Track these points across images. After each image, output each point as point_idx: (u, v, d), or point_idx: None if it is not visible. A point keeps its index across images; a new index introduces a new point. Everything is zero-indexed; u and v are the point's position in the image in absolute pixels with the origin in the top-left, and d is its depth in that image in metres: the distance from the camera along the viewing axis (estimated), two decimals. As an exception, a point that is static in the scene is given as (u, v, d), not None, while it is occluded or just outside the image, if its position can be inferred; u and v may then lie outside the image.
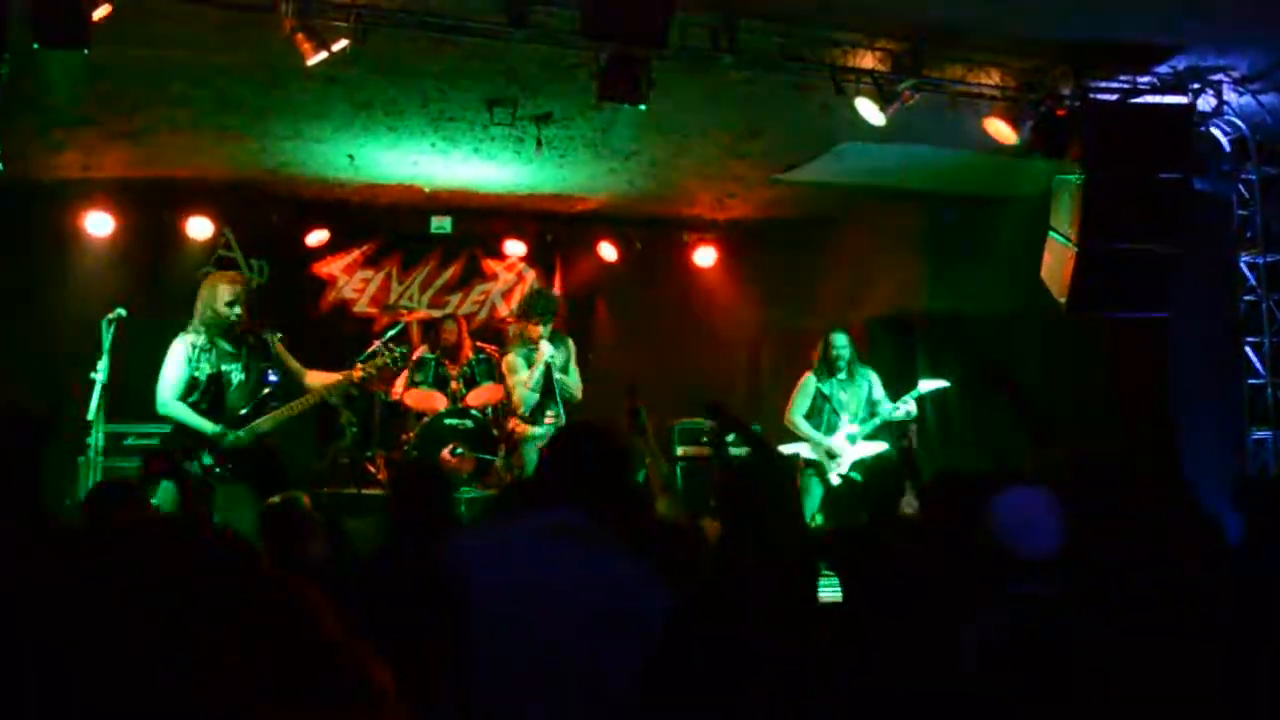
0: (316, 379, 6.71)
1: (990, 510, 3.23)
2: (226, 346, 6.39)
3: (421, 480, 4.57)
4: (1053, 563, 3.15)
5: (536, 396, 8.17)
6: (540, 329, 8.10)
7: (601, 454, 3.16)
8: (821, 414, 8.22)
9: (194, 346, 6.35)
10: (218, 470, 6.33)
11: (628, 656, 2.78)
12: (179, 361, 6.33)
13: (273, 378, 6.56)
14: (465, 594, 2.85)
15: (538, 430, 8.17)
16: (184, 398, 6.32)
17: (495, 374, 9.96)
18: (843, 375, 8.22)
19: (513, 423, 8.50)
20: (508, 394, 8.54)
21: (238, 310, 6.35)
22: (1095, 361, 8.40)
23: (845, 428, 8.14)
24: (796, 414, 8.29)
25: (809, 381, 8.32)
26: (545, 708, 2.79)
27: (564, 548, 2.93)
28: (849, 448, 8.10)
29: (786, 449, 8.26)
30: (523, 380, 8.18)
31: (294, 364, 6.68)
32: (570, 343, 8.78)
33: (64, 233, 9.73)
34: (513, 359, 8.34)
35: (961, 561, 3.41)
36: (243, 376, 6.42)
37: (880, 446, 8.09)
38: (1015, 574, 3.13)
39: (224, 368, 6.38)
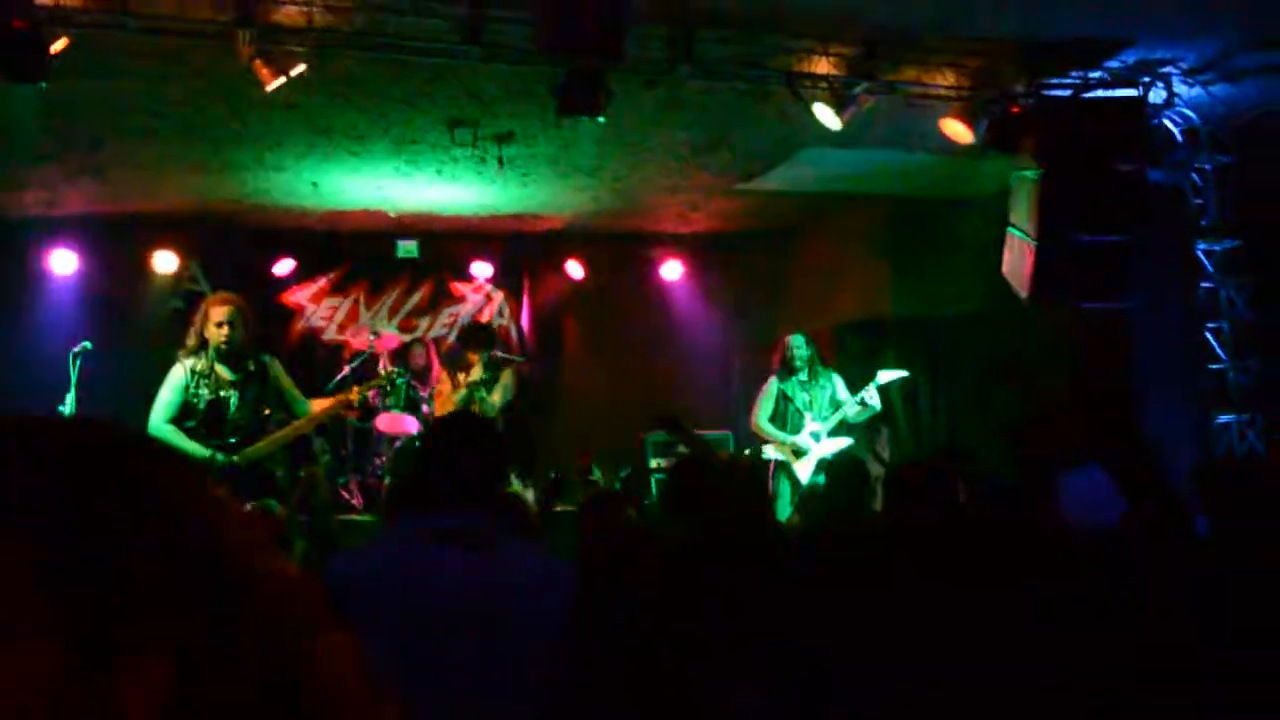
0: (314, 405, 6.71)
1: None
2: (226, 372, 6.32)
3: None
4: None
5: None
6: (476, 357, 8.61)
7: (484, 447, 3.04)
8: (786, 415, 8.34)
9: (192, 372, 6.26)
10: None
11: (529, 651, 2.74)
12: (174, 386, 6.26)
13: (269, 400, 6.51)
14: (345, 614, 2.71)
15: None
16: (181, 423, 6.24)
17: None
18: (803, 376, 8.34)
19: None
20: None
21: (227, 331, 6.25)
22: (1061, 355, 8.50)
23: (809, 426, 8.22)
24: (761, 418, 8.42)
25: (771, 385, 8.47)
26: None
27: (454, 554, 2.79)
28: (814, 445, 8.19)
29: (766, 452, 8.38)
30: (449, 395, 8.58)
31: (293, 390, 6.65)
32: (509, 371, 9.06)
33: (29, 269, 9.70)
34: (446, 379, 8.80)
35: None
36: (240, 402, 6.37)
37: (844, 442, 8.19)
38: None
39: (223, 393, 6.30)
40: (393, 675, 2.60)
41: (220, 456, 6.18)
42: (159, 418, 6.22)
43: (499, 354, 9.02)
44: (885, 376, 8.33)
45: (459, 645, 2.69)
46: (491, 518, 2.97)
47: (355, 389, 7.05)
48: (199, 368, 6.27)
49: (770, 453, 8.36)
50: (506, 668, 2.72)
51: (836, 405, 8.29)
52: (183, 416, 6.26)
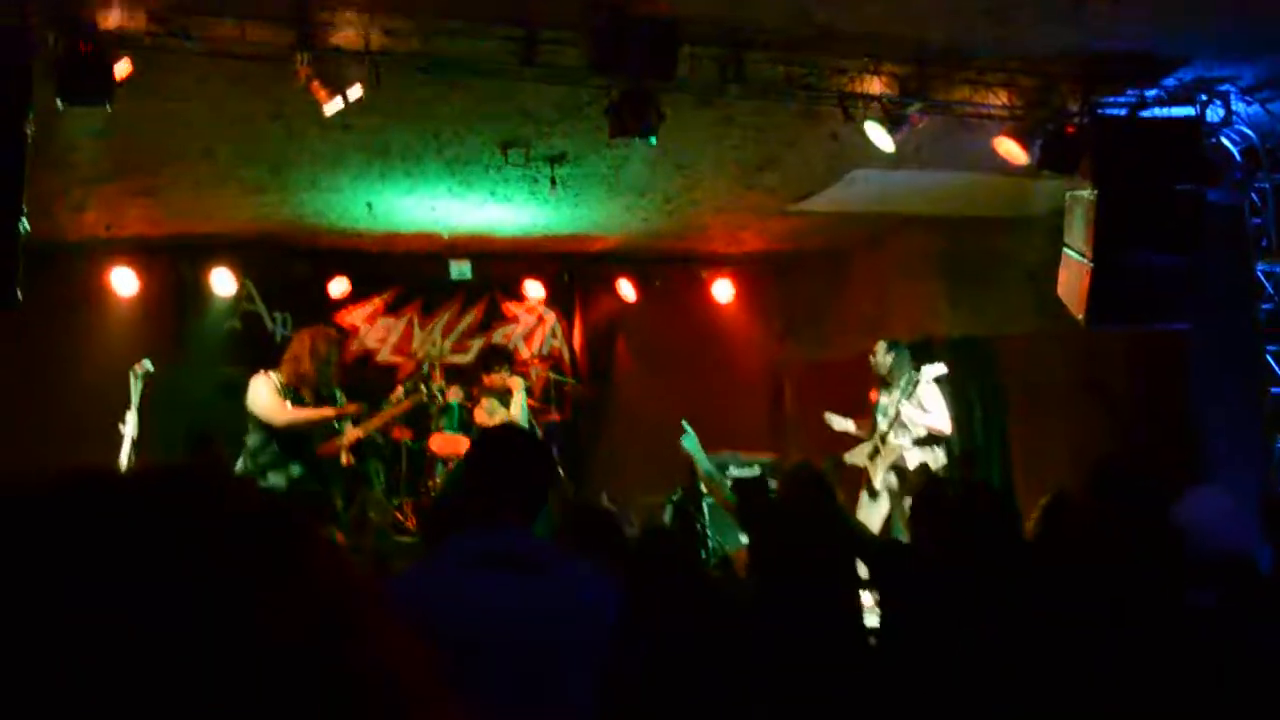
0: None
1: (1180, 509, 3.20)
2: (307, 394, 6.57)
3: None
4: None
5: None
6: (499, 376, 8.69)
7: (530, 461, 2.92)
8: (872, 423, 8.52)
9: (276, 387, 6.59)
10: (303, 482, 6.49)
11: (576, 678, 2.68)
12: (272, 391, 6.57)
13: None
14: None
15: None
16: (251, 432, 6.47)
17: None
18: (886, 384, 8.54)
19: None
20: None
21: (333, 369, 6.79)
22: (1117, 377, 8.41)
23: (880, 429, 8.35)
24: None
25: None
26: None
27: (502, 578, 2.67)
28: (881, 448, 8.37)
29: (846, 458, 8.58)
30: (510, 416, 8.50)
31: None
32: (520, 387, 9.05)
33: (89, 291, 9.88)
34: (488, 404, 8.75)
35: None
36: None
37: (905, 447, 8.29)
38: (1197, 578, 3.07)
39: None
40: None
41: (297, 468, 6.39)
42: (279, 410, 6.52)
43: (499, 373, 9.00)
44: (930, 372, 8.35)
45: (506, 672, 2.60)
46: (534, 536, 2.87)
47: (397, 392, 7.31)
48: (280, 382, 6.50)
49: (849, 458, 8.56)
50: (554, 694, 2.66)
51: (910, 413, 8.34)
52: (257, 427, 6.49)
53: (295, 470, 6.51)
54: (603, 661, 2.73)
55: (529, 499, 2.86)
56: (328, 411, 6.47)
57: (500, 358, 8.90)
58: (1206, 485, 3.35)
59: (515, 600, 2.65)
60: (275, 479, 6.43)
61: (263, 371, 6.67)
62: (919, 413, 8.27)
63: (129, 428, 6.93)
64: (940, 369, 8.43)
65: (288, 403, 6.51)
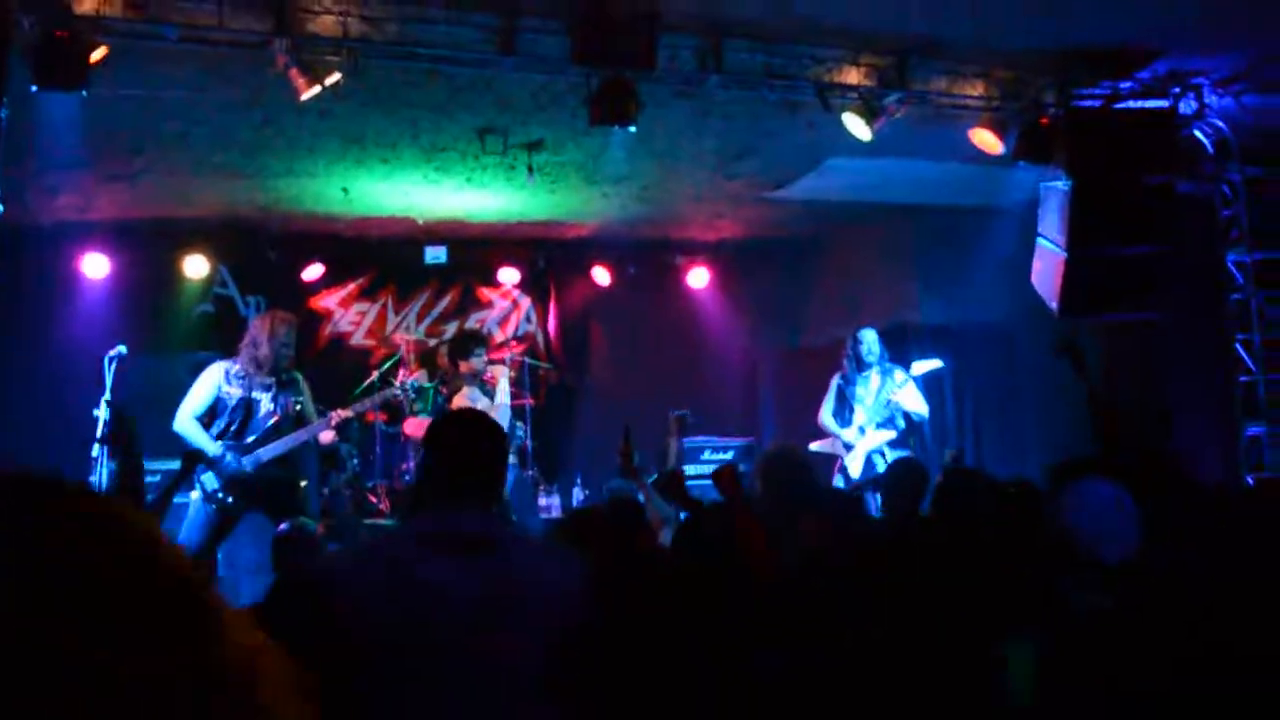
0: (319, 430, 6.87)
1: (1064, 506, 3.15)
2: (261, 376, 6.53)
3: None
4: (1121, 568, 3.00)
5: (509, 414, 8.40)
6: (476, 362, 8.31)
7: (484, 444, 2.90)
8: (843, 411, 8.45)
9: (228, 373, 6.54)
10: (220, 495, 6.42)
11: (538, 650, 2.69)
12: (208, 385, 6.53)
13: (295, 408, 6.69)
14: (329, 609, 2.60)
15: None
16: (209, 421, 6.44)
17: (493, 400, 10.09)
18: (866, 371, 8.38)
19: None
20: None
21: (291, 351, 6.65)
22: (1090, 364, 8.47)
23: (857, 420, 8.30)
24: (824, 413, 8.53)
25: (834, 380, 8.55)
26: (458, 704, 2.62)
27: (449, 559, 2.68)
28: (859, 439, 8.27)
29: (813, 446, 8.43)
30: (493, 406, 8.29)
31: (311, 405, 6.84)
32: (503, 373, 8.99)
33: (63, 274, 9.80)
34: (469, 392, 8.40)
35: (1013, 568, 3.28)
36: (271, 407, 6.56)
37: (888, 435, 8.24)
38: (1079, 580, 3.01)
39: (254, 395, 6.52)
40: (382, 677, 2.47)
41: (230, 456, 6.35)
42: (186, 413, 6.49)
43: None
44: (920, 368, 8.37)
45: (456, 653, 2.62)
46: (494, 518, 2.89)
47: (367, 401, 7.37)
48: (234, 370, 6.48)
49: (816, 446, 8.45)
50: (506, 673, 2.65)
51: (889, 401, 8.33)
52: (211, 414, 6.46)
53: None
54: (566, 637, 2.73)
55: (485, 481, 2.87)
56: (209, 445, 6.38)
57: (476, 342, 8.80)
58: (1089, 479, 3.27)
59: (463, 582, 2.64)
60: (243, 463, 6.44)
61: (221, 360, 6.65)
62: (920, 404, 8.30)
63: (103, 411, 6.89)
64: (936, 364, 8.46)
65: (206, 401, 6.48)
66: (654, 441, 10.23)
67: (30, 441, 9.35)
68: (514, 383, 10.72)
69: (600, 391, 11.63)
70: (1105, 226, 7.14)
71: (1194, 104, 7.44)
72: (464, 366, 8.33)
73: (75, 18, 5.38)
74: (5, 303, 9.11)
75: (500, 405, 8.22)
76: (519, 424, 8.84)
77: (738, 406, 11.75)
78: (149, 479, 8.36)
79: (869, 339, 8.40)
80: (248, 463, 6.45)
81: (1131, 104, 7.21)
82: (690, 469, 10.08)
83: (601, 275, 11.55)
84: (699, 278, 11.84)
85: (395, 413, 9.76)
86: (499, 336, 11.58)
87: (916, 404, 8.27)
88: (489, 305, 11.78)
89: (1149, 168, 7.17)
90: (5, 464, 0.89)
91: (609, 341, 11.66)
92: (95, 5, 5.42)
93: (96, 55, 5.49)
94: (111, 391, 6.91)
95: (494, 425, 3.02)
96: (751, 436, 10.64)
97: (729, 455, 10.23)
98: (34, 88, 5.43)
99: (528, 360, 10.79)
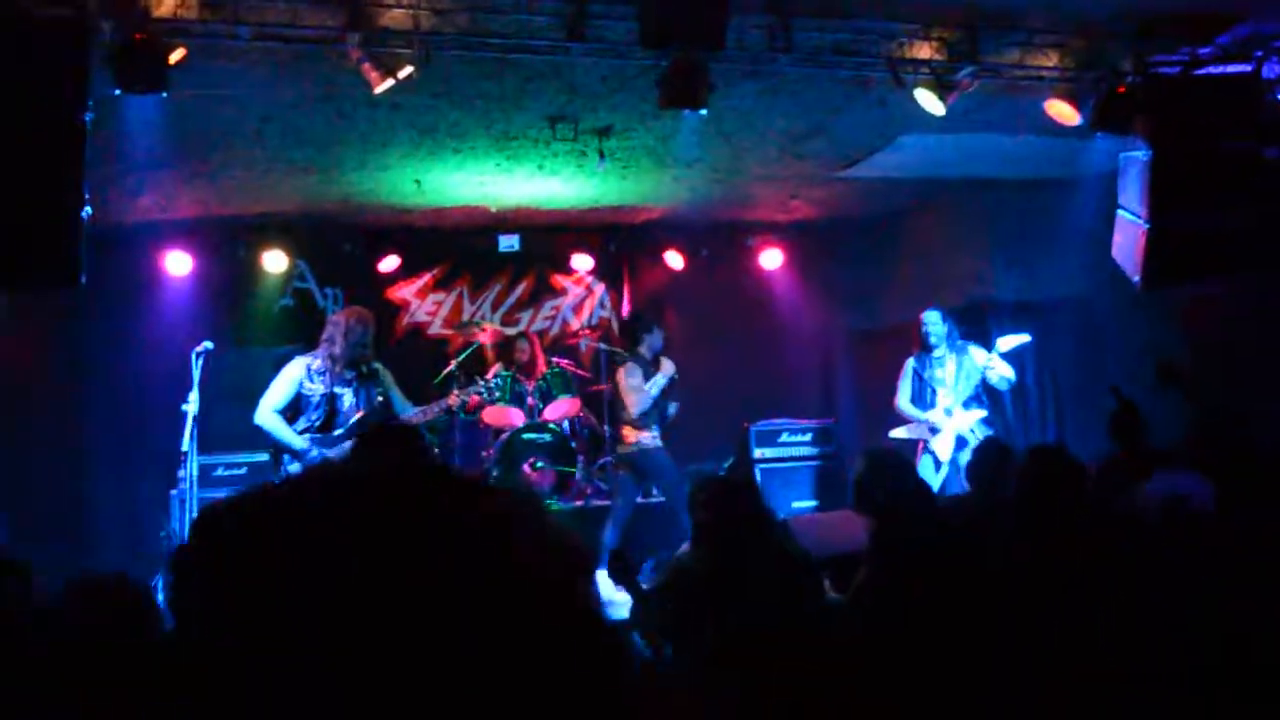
0: (415, 417, 6.91)
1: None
2: (344, 371, 6.62)
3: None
4: None
5: (650, 403, 8.48)
6: (654, 341, 8.64)
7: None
8: (923, 394, 8.44)
9: (309, 369, 6.59)
10: None
11: None
12: (289, 380, 6.58)
13: (379, 400, 6.77)
14: None
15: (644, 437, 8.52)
16: (295, 417, 6.52)
17: (571, 387, 10.17)
18: (938, 352, 8.38)
19: (624, 429, 8.64)
20: (620, 400, 8.69)
21: (368, 350, 6.71)
22: (1173, 338, 8.32)
23: (941, 401, 8.25)
24: (902, 399, 8.54)
25: (908, 365, 8.56)
26: None
27: None
28: (946, 420, 8.22)
29: (894, 434, 8.50)
30: (642, 386, 8.48)
31: (399, 394, 6.90)
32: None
33: (147, 272, 10.02)
34: (631, 367, 8.59)
35: None
36: (354, 400, 6.63)
37: (980, 414, 8.22)
38: None
39: (337, 389, 6.60)
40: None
41: (317, 450, 6.42)
42: (267, 407, 6.53)
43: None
44: (1006, 343, 8.27)
45: None
46: None
47: (455, 394, 7.28)
48: (315, 366, 6.55)
49: (899, 433, 8.45)
50: None
51: (970, 378, 8.27)
52: (295, 410, 6.53)
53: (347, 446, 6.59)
54: None
55: None
56: (293, 439, 6.44)
57: (647, 325, 8.89)
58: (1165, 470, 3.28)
59: None
60: (331, 456, 6.51)
61: (301, 356, 6.73)
62: (1007, 368, 8.24)
63: (191, 406, 7.05)
64: (1024, 339, 8.36)
65: (287, 396, 6.54)
66: (727, 424, 10.26)
67: (120, 437, 9.61)
68: (589, 368, 10.81)
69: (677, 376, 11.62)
70: (1187, 196, 6.99)
71: (1278, 68, 7.24)
72: (640, 347, 8.52)
73: (153, 20, 5.48)
74: (93, 302, 9.34)
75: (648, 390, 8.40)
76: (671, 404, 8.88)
77: (814, 388, 11.70)
78: (232, 471, 8.61)
79: (932, 320, 8.39)
80: (335, 455, 6.54)
81: (1212, 70, 7.05)
82: (768, 452, 10.08)
83: (674, 259, 11.54)
84: (772, 259, 11.78)
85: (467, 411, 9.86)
86: (574, 324, 11.64)
87: (1004, 369, 8.20)
88: (563, 292, 11.84)
89: (1232, 134, 7.01)
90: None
91: (683, 324, 11.65)
92: (173, 8, 5.53)
93: (175, 57, 5.60)
94: (199, 386, 7.08)
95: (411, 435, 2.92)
96: (829, 418, 10.59)
97: (806, 438, 10.20)
98: (116, 91, 5.56)
99: (602, 346, 10.83)
